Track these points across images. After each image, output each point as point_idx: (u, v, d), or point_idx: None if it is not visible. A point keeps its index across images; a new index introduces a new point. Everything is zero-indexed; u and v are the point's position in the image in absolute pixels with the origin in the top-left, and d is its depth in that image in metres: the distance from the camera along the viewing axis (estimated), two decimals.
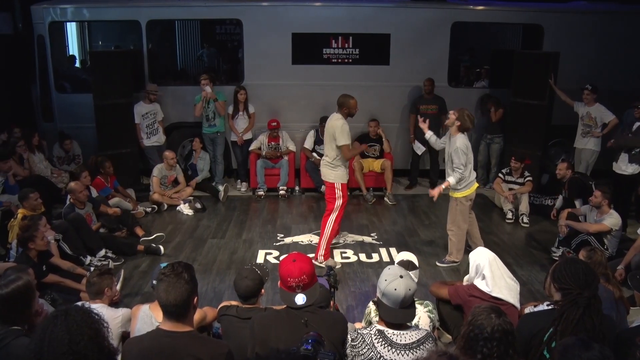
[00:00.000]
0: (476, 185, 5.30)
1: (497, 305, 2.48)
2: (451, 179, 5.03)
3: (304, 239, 6.07)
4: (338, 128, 5.00)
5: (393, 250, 5.71)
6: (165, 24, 10.25)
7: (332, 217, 5.25)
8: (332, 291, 3.32)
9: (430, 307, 3.34)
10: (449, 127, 5.17)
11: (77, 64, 9.99)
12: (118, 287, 4.39)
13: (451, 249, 5.33)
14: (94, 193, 6.20)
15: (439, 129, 7.55)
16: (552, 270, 2.75)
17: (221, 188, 7.44)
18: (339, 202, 5.22)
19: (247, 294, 3.07)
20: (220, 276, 5.07)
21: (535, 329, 2.58)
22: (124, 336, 3.24)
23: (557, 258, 5.24)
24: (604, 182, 6.09)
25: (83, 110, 7.43)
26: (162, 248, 5.56)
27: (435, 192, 5.18)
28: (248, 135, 7.79)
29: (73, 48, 10.29)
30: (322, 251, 5.27)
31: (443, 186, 5.15)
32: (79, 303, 2.31)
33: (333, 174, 5.19)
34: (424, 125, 5.47)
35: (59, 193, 6.66)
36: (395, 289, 2.41)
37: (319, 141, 7.68)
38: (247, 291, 3.06)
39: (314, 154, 7.64)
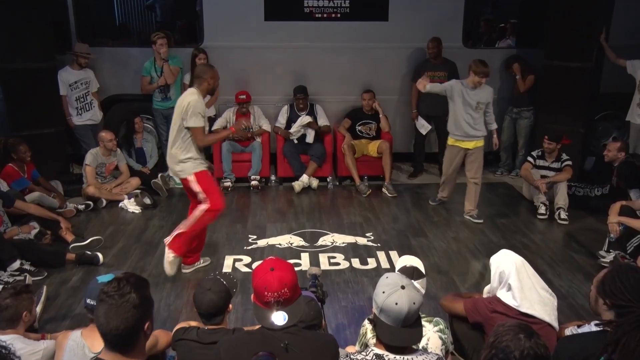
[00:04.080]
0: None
1: (526, 323, 2.47)
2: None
3: (283, 241, 6.08)
4: (191, 105, 4.84)
5: (394, 254, 5.74)
6: None
7: (202, 207, 5.09)
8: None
9: (441, 326, 3.36)
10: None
11: None
12: (38, 309, 4.30)
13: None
14: (4, 186, 6.05)
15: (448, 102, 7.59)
16: (601, 281, 2.68)
17: (159, 180, 7.35)
18: (206, 202, 5.07)
19: (210, 311, 3.07)
20: (176, 290, 5.06)
21: (579, 356, 2.52)
22: None
23: (606, 265, 5.25)
24: None
25: None
26: (100, 255, 5.50)
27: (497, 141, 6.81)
28: (210, 112, 7.71)
29: None
30: (171, 239, 5.17)
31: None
32: None
33: (183, 167, 5.04)
34: (423, 83, 6.42)
35: None
36: (397, 303, 2.41)
37: (294, 118, 7.75)
38: (210, 307, 3.05)
39: (289, 132, 7.75)
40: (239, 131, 5.44)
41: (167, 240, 5.18)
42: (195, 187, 5.05)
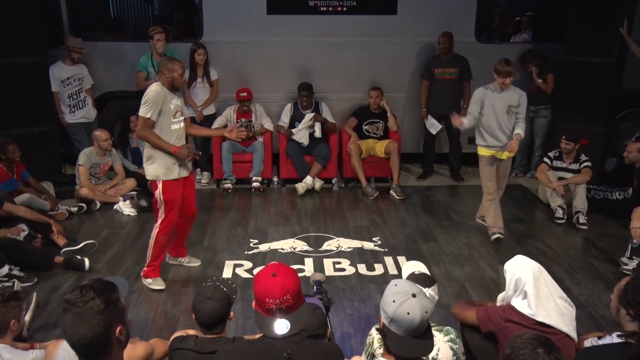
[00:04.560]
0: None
1: (544, 334, 2.45)
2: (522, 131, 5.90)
3: (286, 245, 6.08)
4: (147, 95, 4.86)
5: (402, 260, 5.74)
6: None
7: (154, 232, 5.08)
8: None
9: (452, 336, 3.35)
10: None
11: None
12: (27, 317, 4.29)
13: None
14: None
15: (460, 100, 7.59)
16: (623, 289, 2.68)
17: None
18: (161, 212, 5.01)
19: (212, 320, 3.05)
20: (173, 297, 5.05)
21: None
22: None
23: (629, 272, 5.21)
24: None
25: None
26: (86, 261, 5.44)
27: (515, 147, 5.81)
28: (210, 110, 7.78)
29: None
30: (142, 272, 5.25)
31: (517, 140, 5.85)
32: None
33: (148, 168, 5.01)
34: (458, 121, 5.92)
35: None
36: (409, 313, 2.39)
37: (298, 116, 7.73)
38: (213, 316, 3.04)
39: (291, 132, 7.74)
40: (181, 153, 4.99)
41: (142, 274, 5.24)
42: (159, 196, 4.97)
